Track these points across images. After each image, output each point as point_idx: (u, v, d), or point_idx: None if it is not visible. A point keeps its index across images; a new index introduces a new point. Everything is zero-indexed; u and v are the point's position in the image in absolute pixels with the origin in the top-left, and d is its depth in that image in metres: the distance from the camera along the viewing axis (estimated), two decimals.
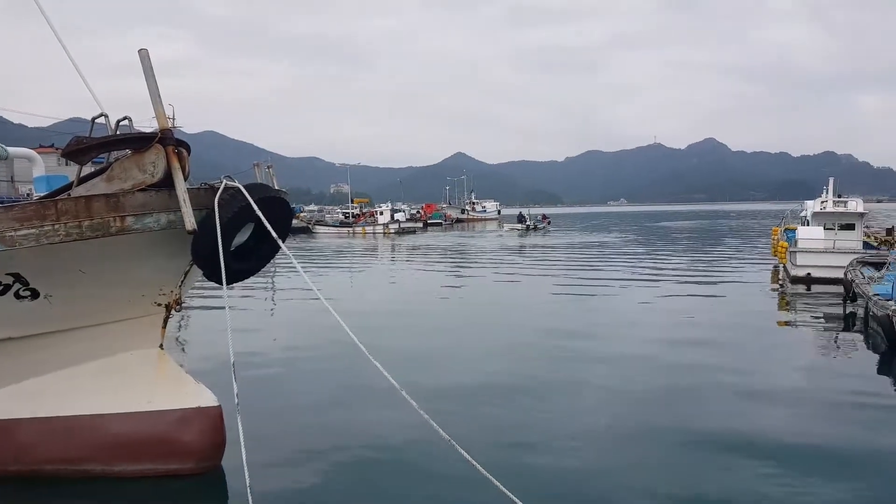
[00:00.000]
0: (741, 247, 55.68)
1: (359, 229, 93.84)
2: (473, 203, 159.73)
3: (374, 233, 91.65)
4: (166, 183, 7.85)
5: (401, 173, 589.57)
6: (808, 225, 33.36)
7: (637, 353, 16.98)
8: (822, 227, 32.13)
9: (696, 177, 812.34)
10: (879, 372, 15.91)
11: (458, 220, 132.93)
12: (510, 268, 40.53)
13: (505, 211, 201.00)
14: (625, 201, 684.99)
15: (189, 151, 8.13)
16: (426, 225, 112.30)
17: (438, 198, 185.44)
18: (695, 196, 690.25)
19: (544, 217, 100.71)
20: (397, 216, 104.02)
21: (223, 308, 7.75)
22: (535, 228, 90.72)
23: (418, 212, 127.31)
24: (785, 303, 26.25)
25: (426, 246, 64.27)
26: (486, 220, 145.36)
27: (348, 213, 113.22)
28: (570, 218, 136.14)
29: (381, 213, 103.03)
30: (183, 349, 17.92)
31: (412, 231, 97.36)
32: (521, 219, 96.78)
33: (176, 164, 7.77)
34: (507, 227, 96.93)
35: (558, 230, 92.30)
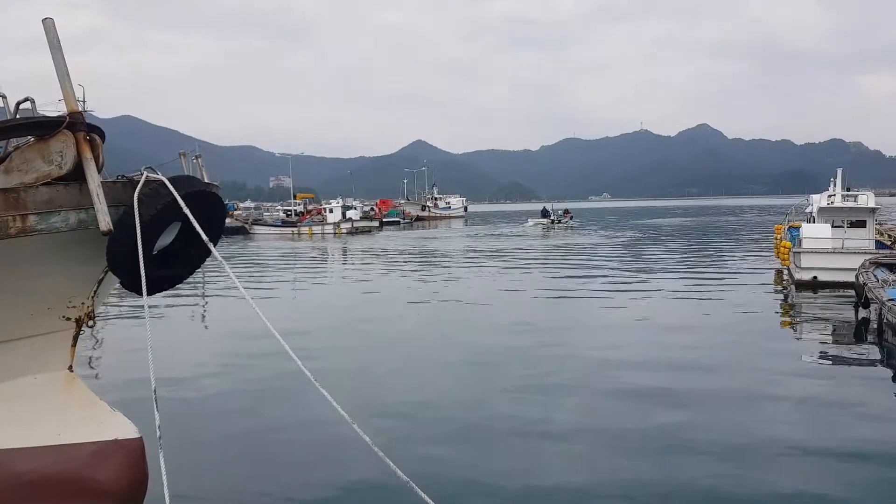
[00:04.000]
0: (740, 247, 56.45)
1: (304, 229, 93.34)
2: (436, 198, 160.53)
3: (322, 233, 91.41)
4: (76, 176, 7.68)
5: (351, 164, 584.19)
6: (813, 222, 33.76)
7: (625, 373, 17.10)
8: (829, 225, 32.57)
9: (688, 168, 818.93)
10: None
11: (419, 218, 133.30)
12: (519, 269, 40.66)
13: (472, 207, 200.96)
14: (608, 196, 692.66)
15: (103, 138, 7.98)
16: (382, 224, 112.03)
17: (395, 193, 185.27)
18: (686, 190, 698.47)
19: (566, 212, 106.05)
20: (349, 214, 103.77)
21: (144, 322, 7.62)
22: (559, 223, 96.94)
23: (372, 209, 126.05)
24: (789, 310, 26.62)
25: (386, 249, 63.94)
26: (450, 217, 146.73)
27: (291, 210, 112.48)
28: None
29: (331, 211, 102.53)
30: (97, 372, 17.62)
31: (367, 231, 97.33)
32: (545, 213, 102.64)
33: (88, 154, 7.61)
34: (531, 221, 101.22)
35: (578, 227, 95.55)
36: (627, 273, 38.63)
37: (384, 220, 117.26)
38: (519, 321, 23.87)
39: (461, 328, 23.27)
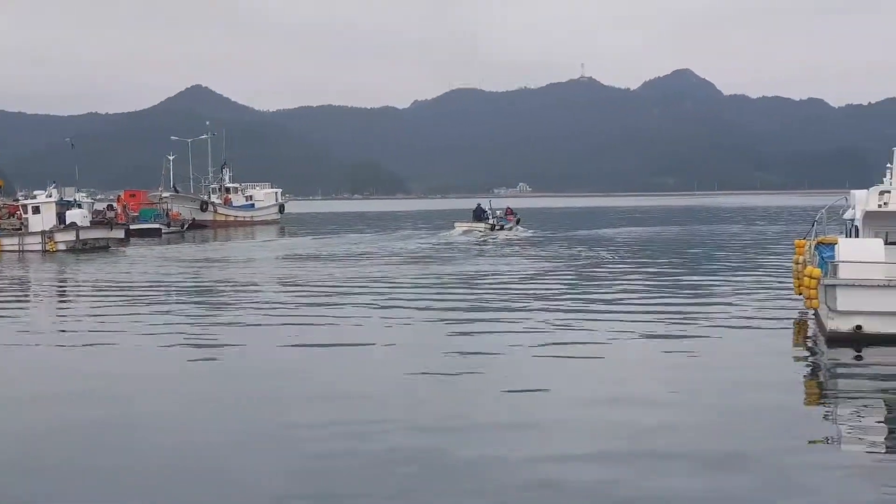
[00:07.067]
0: (739, 279, 36.98)
1: None
2: (228, 188, 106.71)
3: (20, 251, 61.14)
4: None
5: (73, 128, 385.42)
6: (855, 235, 24.77)
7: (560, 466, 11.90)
8: (881, 240, 23.33)
9: (659, 143, 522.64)
10: None
11: (197, 224, 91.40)
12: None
13: (294, 205, 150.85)
14: (526, 187, 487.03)
15: None
16: (130, 234, 71.56)
17: (152, 178, 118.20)
18: (656, 181, 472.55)
19: (510, 212, 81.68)
20: (71, 216, 64.73)
21: None
22: (501, 228, 75.06)
23: (111, 207, 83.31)
24: (817, 389, 18.74)
25: (134, 283, 39.07)
26: (254, 222, 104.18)
27: None
28: (420, 218, 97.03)
29: (36, 211, 64.27)
30: None
31: (103, 246, 63.61)
32: (479, 215, 78.22)
33: None
34: (459, 227, 77.09)
35: (532, 237, 72.13)
36: (568, 319, 25.85)
37: (134, 226, 76.92)
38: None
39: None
